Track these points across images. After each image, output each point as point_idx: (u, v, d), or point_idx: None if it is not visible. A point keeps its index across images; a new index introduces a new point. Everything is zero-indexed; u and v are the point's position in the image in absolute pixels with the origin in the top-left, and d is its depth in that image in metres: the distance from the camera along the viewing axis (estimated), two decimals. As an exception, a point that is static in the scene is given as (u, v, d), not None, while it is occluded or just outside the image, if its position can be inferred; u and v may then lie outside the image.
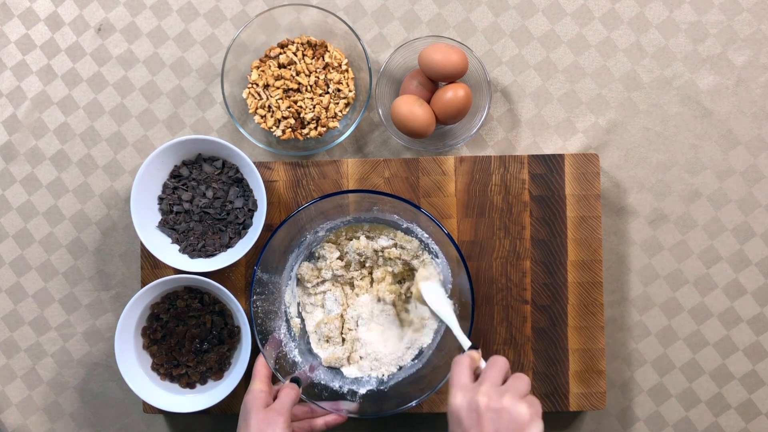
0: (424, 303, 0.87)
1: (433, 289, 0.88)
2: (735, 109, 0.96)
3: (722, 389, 0.95)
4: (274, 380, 0.87)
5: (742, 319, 0.95)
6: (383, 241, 0.92)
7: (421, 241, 0.92)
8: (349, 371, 0.91)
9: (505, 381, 0.73)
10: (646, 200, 0.96)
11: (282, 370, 0.87)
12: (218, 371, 0.92)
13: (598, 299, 0.92)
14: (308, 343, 0.93)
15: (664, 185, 0.96)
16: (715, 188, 0.96)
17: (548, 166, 0.93)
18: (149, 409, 0.93)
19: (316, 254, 0.93)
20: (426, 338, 0.92)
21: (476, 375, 0.75)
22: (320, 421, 0.87)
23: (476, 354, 0.77)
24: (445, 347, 0.89)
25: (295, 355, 0.91)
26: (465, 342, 0.82)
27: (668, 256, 0.96)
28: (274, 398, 0.83)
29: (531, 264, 0.93)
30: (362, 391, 0.90)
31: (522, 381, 0.72)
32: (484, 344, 0.92)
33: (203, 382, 0.93)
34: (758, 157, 0.95)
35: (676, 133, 0.96)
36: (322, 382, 0.89)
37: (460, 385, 0.73)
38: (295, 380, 0.85)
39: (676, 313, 0.95)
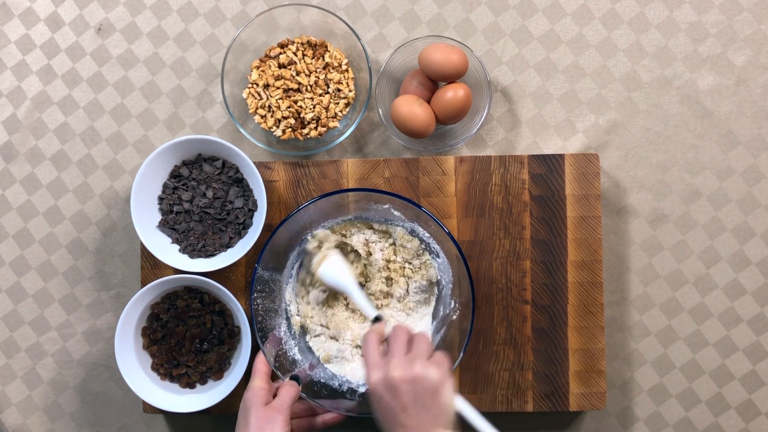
0: (323, 284, 0.88)
1: (331, 263, 0.89)
2: (735, 109, 0.96)
3: (722, 389, 0.95)
4: (273, 378, 0.87)
5: (742, 319, 0.95)
6: (369, 236, 0.92)
7: (422, 240, 0.92)
8: (343, 369, 0.91)
9: (410, 346, 0.77)
10: (646, 200, 0.96)
11: (282, 367, 0.87)
12: (218, 371, 0.92)
13: (598, 299, 0.92)
14: (308, 341, 0.93)
15: (664, 185, 0.96)
16: (715, 188, 0.96)
17: (548, 166, 0.93)
18: (149, 409, 0.93)
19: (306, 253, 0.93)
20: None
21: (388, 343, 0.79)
22: (319, 420, 0.87)
23: (380, 326, 0.82)
24: (443, 348, 0.89)
25: (295, 353, 0.91)
26: (369, 312, 0.84)
27: (668, 256, 0.96)
28: (274, 396, 0.83)
29: (531, 264, 0.93)
30: (362, 390, 0.90)
31: (424, 342, 0.77)
32: (484, 344, 0.92)
33: (203, 382, 0.93)
34: (758, 157, 0.95)
35: (676, 133, 0.96)
36: (321, 381, 0.89)
37: (372, 363, 0.77)
38: (295, 378, 0.85)
39: (676, 313, 0.95)
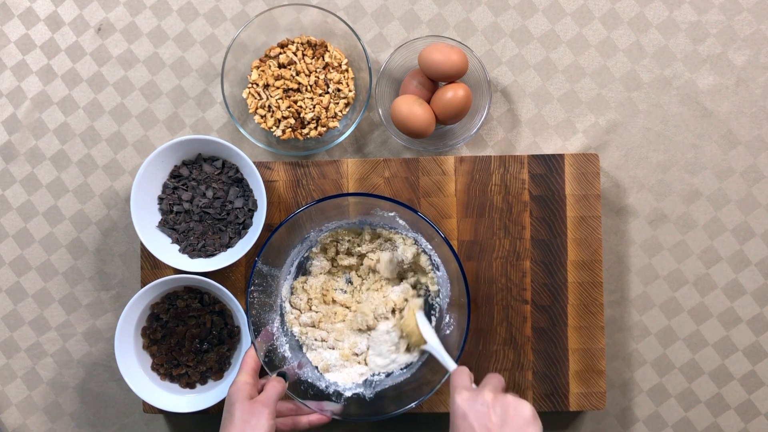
0: (417, 330, 0.88)
1: (420, 317, 0.90)
2: (735, 109, 0.96)
3: (722, 389, 0.95)
4: (262, 374, 0.87)
5: (741, 319, 0.95)
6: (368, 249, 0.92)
7: (424, 251, 0.92)
8: (341, 377, 0.91)
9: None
10: (646, 200, 0.96)
11: (271, 363, 0.87)
12: (218, 371, 0.92)
13: (598, 299, 0.92)
14: (305, 353, 0.93)
15: (664, 185, 0.96)
16: (715, 188, 0.96)
17: (548, 166, 0.93)
18: (149, 409, 0.93)
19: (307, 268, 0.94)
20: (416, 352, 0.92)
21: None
22: (304, 420, 0.87)
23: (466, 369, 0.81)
24: (433, 360, 0.88)
25: (286, 350, 0.91)
26: (450, 365, 0.84)
27: (668, 256, 0.96)
28: (260, 392, 0.83)
29: (531, 264, 0.93)
30: (347, 393, 0.90)
31: (515, 397, 0.76)
32: (484, 344, 0.92)
33: (203, 382, 0.93)
34: (758, 157, 0.95)
35: (676, 133, 0.96)
36: (308, 380, 0.89)
37: (464, 386, 0.77)
38: (282, 375, 0.85)
39: (675, 314, 0.95)
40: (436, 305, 0.92)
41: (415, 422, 0.96)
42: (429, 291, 0.92)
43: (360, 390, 0.90)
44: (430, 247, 0.91)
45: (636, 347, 0.96)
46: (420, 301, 0.91)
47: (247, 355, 0.85)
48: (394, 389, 0.90)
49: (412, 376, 0.90)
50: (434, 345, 0.86)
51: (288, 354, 0.91)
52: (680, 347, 0.95)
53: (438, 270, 0.91)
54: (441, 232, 0.84)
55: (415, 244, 0.92)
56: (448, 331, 0.90)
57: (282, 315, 0.92)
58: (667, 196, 0.96)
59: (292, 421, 0.86)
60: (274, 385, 0.82)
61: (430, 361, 0.90)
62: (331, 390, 0.90)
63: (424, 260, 0.92)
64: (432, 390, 0.84)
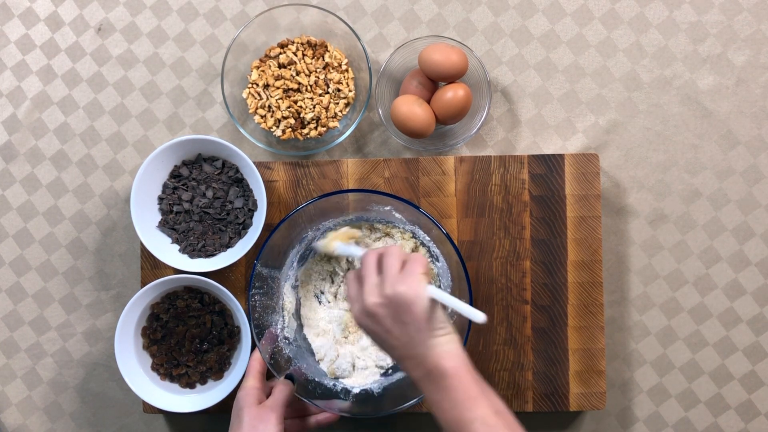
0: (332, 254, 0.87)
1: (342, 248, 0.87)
2: (735, 109, 0.96)
3: (722, 389, 0.95)
4: (268, 376, 0.87)
5: (741, 319, 0.95)
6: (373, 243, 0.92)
7: (423, 243, 0.92)
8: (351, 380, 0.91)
9: (380, 267, 0.75)
10: (646, 200, 0.96)
11: (277, 365, 0.87)
12: (218, 371, 0.92)
13: (598, 299, 0.92)
14: (305, 339, 0.93)
15: (664, 185, 0.96)
16: (715, 188, 0.96)
17: (548, 166, 0.93)
18: (149, 409, 0.93)
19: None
20: None
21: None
22: (312, 420, 0.87)
23: (360, 257, 0.79)
24: None
25: (291, 350, 0.91)
26: (357, 252, 0.83)
27: (668, 256, 0.96)
28: (268, 395, 0.83)
29: (531, 264, 0.93)
30: (355, 390, 0.90)
31: (392, 257, 0.74)
32: (484, 344, 0.92)
33: (203, 382, 0.93)
34: (758, 157, 0.96)
35: (676, 133, 0.96)
36: (315, 379, 0.89)
37: (352, 298, 0.76)
38: (290, 377, 0.85)
39: (675, 314, 0.95)
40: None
41: (422, 419, 0.96)
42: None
43: (368, 386, 0.90)
44: (428, 239, 0.91)
45: (636, 347, 0.96)
46: (354, 231, 0.88)
47: (252, 359, 0.85)
48: (402, 384, 0.90)
49: None
50: (351, 249, 0.84)
51: (293, 355, 0.91)
52: (680, 347, 0.95)
53: (437, 261, 0.91)
54: (443, 228, 0.84)
55: (413, 237, 0.91)
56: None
57: (284, 317, 0.92)
58: (667, 196, 0.96)
59: (301, 423, 0.86)
60: (282, 389, 0.82)
61: None
62: (338, 388, 0.90)
63: (422, 252, 0.92)
64: None
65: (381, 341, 0.75)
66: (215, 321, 0.92)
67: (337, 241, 0.85)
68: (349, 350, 0.92)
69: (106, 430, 0.98)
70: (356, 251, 0.83)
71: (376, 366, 0.91)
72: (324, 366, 0.91)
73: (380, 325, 0.73)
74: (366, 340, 0.92)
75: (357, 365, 0.91)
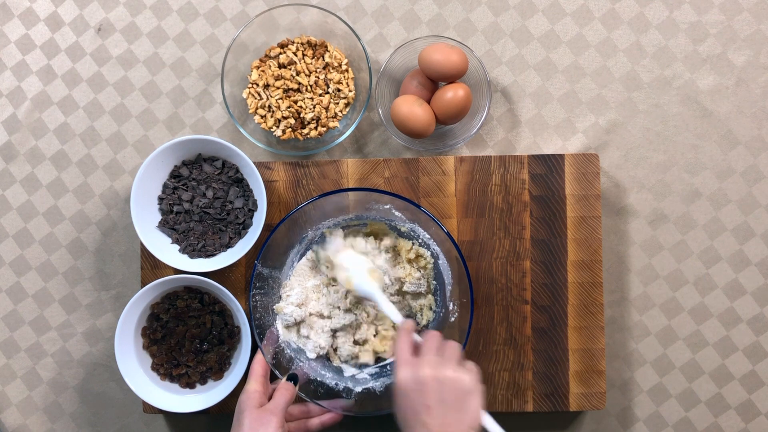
0: (351, 288, 0.87)
1: (356, 265, 0.87)
2: (735, 109, 0.96)
3: (722, 389, 0.95)
4: (271, 377, 0.87)
5: (741, 319, 0.95)
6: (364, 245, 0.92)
7: (423, 242, 0.92)
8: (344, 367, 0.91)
9: (441, 351, 0.78)
10: (646, 200, 0.96)
11: (279, 365, 0.87)
12: (218, 371, 0.92)
13: (598, 299, 0.92)
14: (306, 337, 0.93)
15: (664, 185, 0.96)
16: (715, 188, 0.96)
17: (548, 166, 0.93)
18: (149, 409, 0.93)
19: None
20: None
21: (416, 347, 0.80)
22: (316, 421, 0.87)
23: (411, 324, 0.82)
24: None
25: (293, 350, 0.91)
26: (396, 317, 0.84)
27: (668, 256, 0.96)
28: (270, 397, 0.83)
29: (531, 264, 0.93)
30: (358, 389, 0.90)
31: (455, 348, 0.78)
32: (484, 344, 0.92)
33: (203, 382, 0.93)
34: (758, 157, 0.96)
35: (676, 133, 0.96)
36: (318, 379, 0.89)
37: (404, 360, 0.77)
38: (292, 377, 0.85)
39: (676, 314, 0.95)
40: (438, 298, 0.92)
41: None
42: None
43: (370, 384, 0.90)
44: (428, 236, 0.91)
45: (636, 347, 0.96)
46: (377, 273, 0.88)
47: (255, 362, 0.86)
48: None
49: None
50: (375, 296, 0.85)
51: (295, 354, 0.91)
52: (680, 347, 0.95)
53: (438, 259, 0.91)
54: (444, 227, 0.84)
55: (412, 239, 0.91)
56: (452, 319, 0.90)
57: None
58: (667, 196, 0.96)
59: (304, 424, 0.86)
60: (283, 392, 0.82)
61: None
62: (341, 387, 0.90)
63: (422, 251, 0.91)
64: None
65: (413, 415, 0.74)
66: (215, 321, 0.92)
67: (357, 280, 0.86)
68: (345, 339, 0.92)
69: (106, 430, 0.98)
70: (381, 298, 0.85)
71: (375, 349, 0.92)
72: (333, 359, 0.92)
73: (423, 398, 0.74)
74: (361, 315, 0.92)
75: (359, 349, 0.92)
